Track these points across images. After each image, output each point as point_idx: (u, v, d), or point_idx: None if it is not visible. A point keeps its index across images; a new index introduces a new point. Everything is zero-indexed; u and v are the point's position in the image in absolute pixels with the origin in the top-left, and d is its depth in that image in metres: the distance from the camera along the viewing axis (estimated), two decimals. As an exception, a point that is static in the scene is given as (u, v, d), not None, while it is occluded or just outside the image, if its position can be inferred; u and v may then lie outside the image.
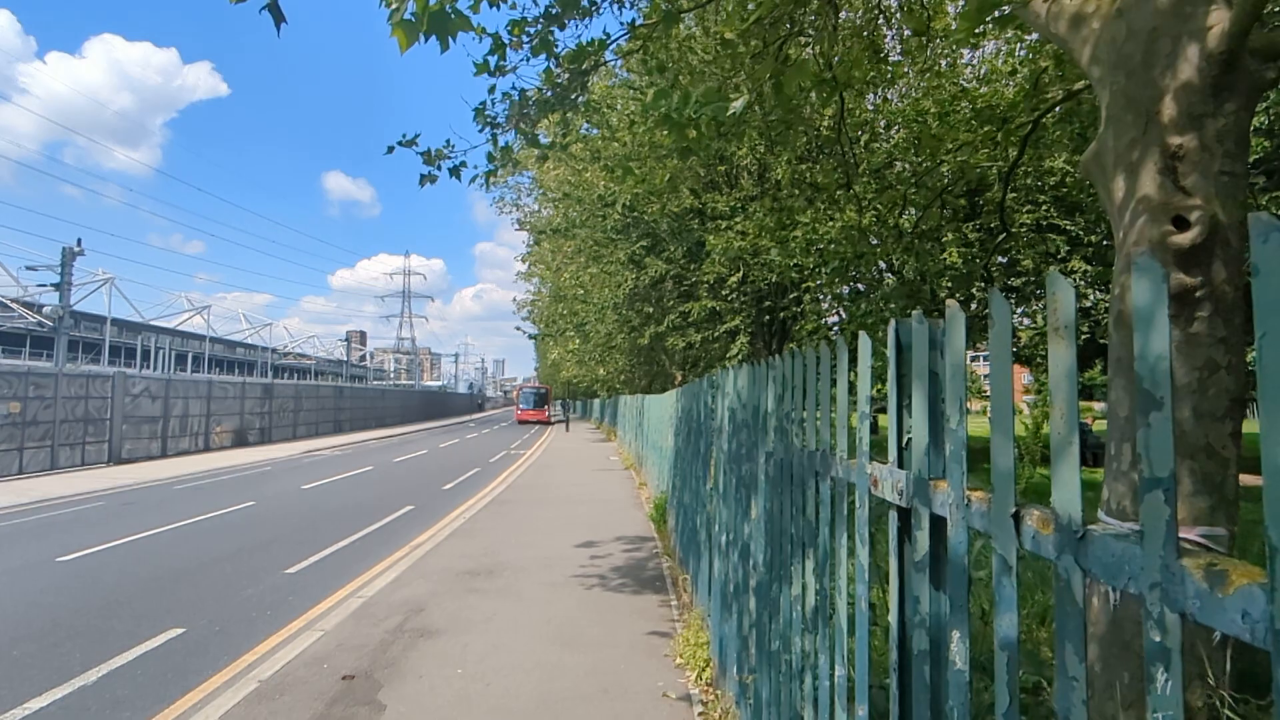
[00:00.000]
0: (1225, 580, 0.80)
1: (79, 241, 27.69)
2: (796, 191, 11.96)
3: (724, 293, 15.60)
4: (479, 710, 4.72)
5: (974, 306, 13.71)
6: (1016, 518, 1.22)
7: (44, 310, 32.22)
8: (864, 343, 2.07)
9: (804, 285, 14.76)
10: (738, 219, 13.52)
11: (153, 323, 54.22)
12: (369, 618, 6.70)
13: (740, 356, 15.21)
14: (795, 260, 11.43)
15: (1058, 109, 8.23)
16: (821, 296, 15.54)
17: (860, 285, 13.85)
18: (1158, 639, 0.88)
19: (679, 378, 21.52)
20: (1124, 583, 0.95)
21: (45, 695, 5.18)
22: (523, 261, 28.54)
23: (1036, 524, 1.16)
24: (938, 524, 1.61)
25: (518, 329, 49.33)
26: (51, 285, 28.21)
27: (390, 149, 6.33)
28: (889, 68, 9.59)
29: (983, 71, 11.89)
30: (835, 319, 16.69)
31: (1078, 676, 1.03)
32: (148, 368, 50.14)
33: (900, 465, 1.80)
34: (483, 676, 5.28)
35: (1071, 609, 1.05)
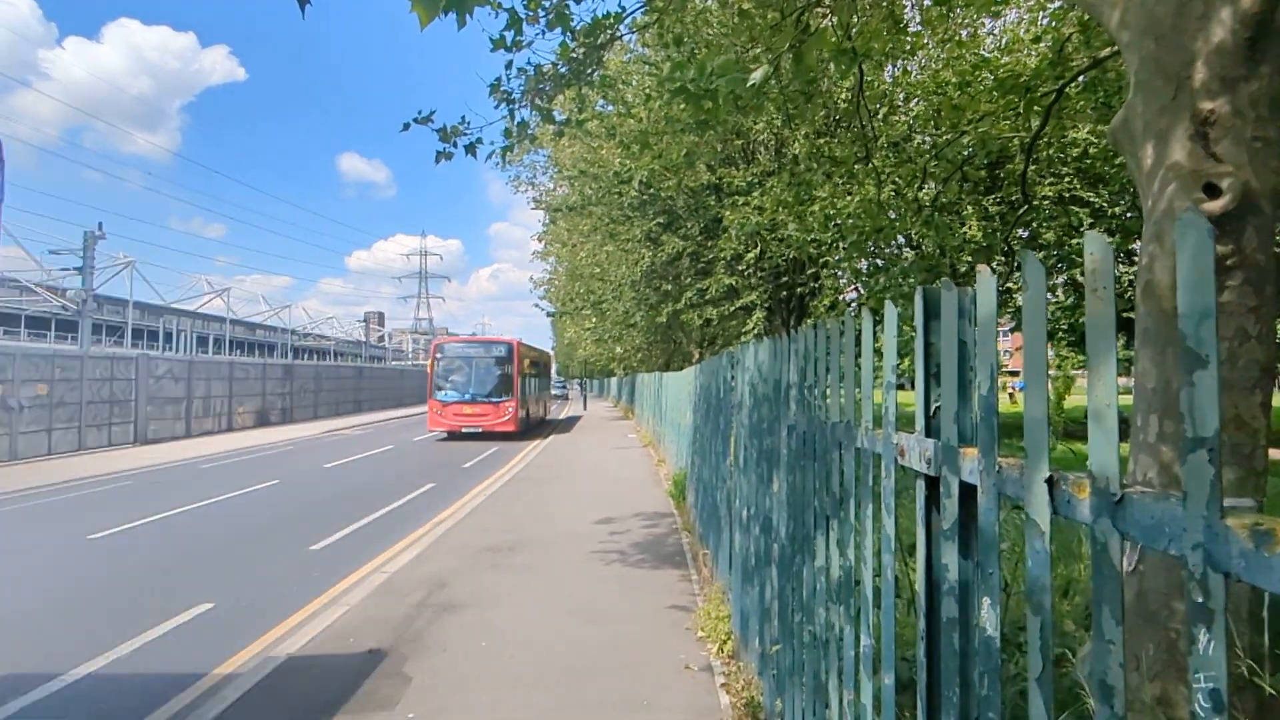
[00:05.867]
0: (1273, 539, 0.79)
1: (100, 225, 27.98)
2: (814, 166, 11.84)
3: (741, 269, 15.53)
4: (503, 682, 4.78)
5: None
6: (1050, 483, 1.21)
7: (67, 294, 32.66)
8: (890, 312, 2.05)
9: (822, 260, 14.66)
10: (755, 194, 13.42)
11: (174, 305, 54.77)
12: (393, 593, 6.79)
13: (757, 332, 15.16)
14: (813, 235, 11.33)
15: (1082, 77, 8.07)
16: (839, 272, 15.43)
17: (879, 260, 13.73)
18: (1200, 600, 0.87)
19: (696, 355, 21.51)
20: (1164, 544, 0.95)
21: (81, 667, 5.30)
22: (539, 240, 28.48)
23: (1072, 488, 1.15)
24: (967, 492, 1.60)
25: (536, 305, 45.54)
26: (74, 269, 28.56)
27: (406, 126, 6.32)
28: (908, 38, 9.43)
29: (1004, 41, 11.67)
30: (853, 294, 16.58)
31: (1115, 640, 1.03)
32: (170, 350, 50.74)
33: (928, 434, 1.79)
34: (506, 649, 5.35)
35: (1109, 572, 1.05)
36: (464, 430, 23.72)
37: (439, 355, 24.97)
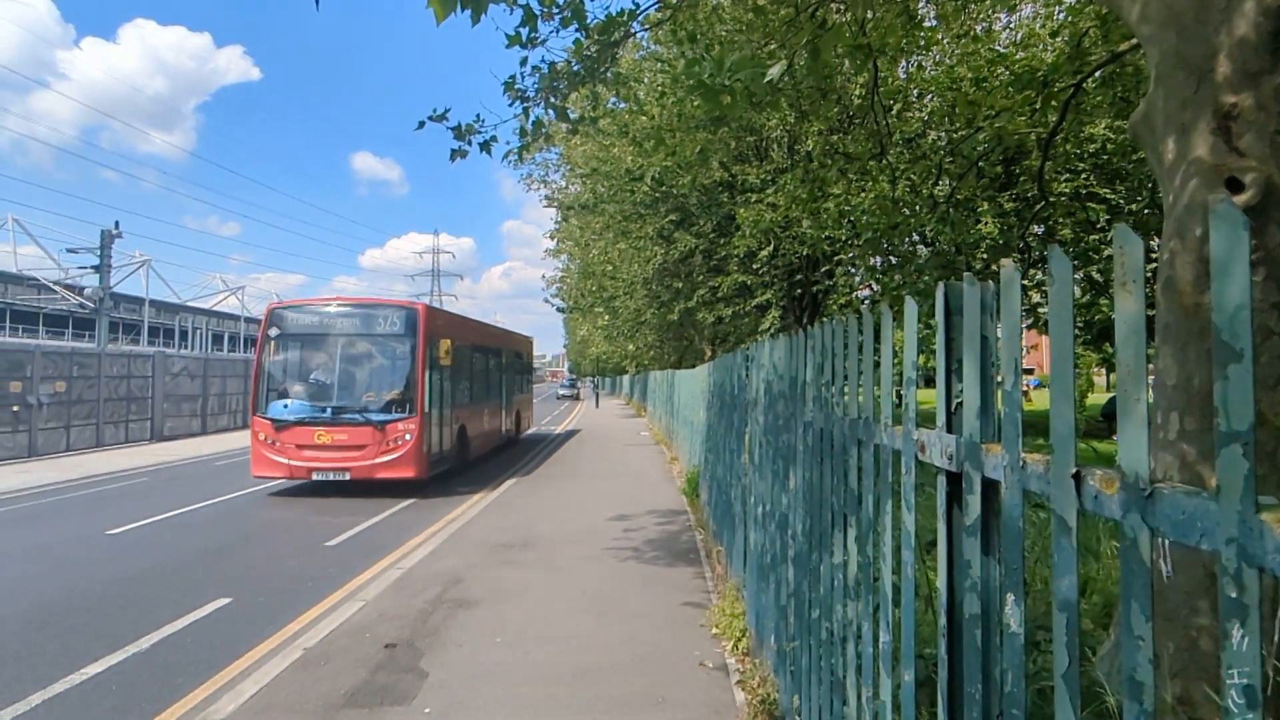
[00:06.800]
0: (1309, 534, 0.78)
1: (117, 224, 28.30)
2: (828, 162, 11.80)
3: (754, 266, 15.50)
4: (519, 678, 4.80)
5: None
6: (1077, 478, 1.20)
7: (85, 292, 32.95)
8: (910, 308, 2.04)
9: (836, 258, 14.61)
10: (769, 191, 13.38)
11: (189, 304, 55.20)
12: (408, 588, 6.83)
13: (772, 330, 15.13)
14: (827, 232, 11.30)
15: (1099, 72, 8.00)
16: (853, 269, 15.38)
17: (893, 257, 13.68)
18: (1234, 595, 0.86)
19: (709, 353, 21.48)
20: (1196, 540, 0.94)
21: (101, 661, 5.36)
22: (551, 238, 28.51)
23: (1099, 484, 1.15)
24: (989, 488, 1.59)
25: (547, 301, 38.76)
26: (91, 268, 28.88)
27: (421, 124, 6.35)
28: (923, 34, 9.38)
29: (1020, 35, 11.59)
30: (867, 292, 16.52)
31: (1144, 636, 1.02)
32: (185, 347, 51.13)
33: (949, 430, 1.78)
34: (521, 645, 5.37)
35: (1138, 569, 1.04)
36: (316, 476, 12.59)
37: (274, 332, 13.19)
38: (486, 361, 18.29)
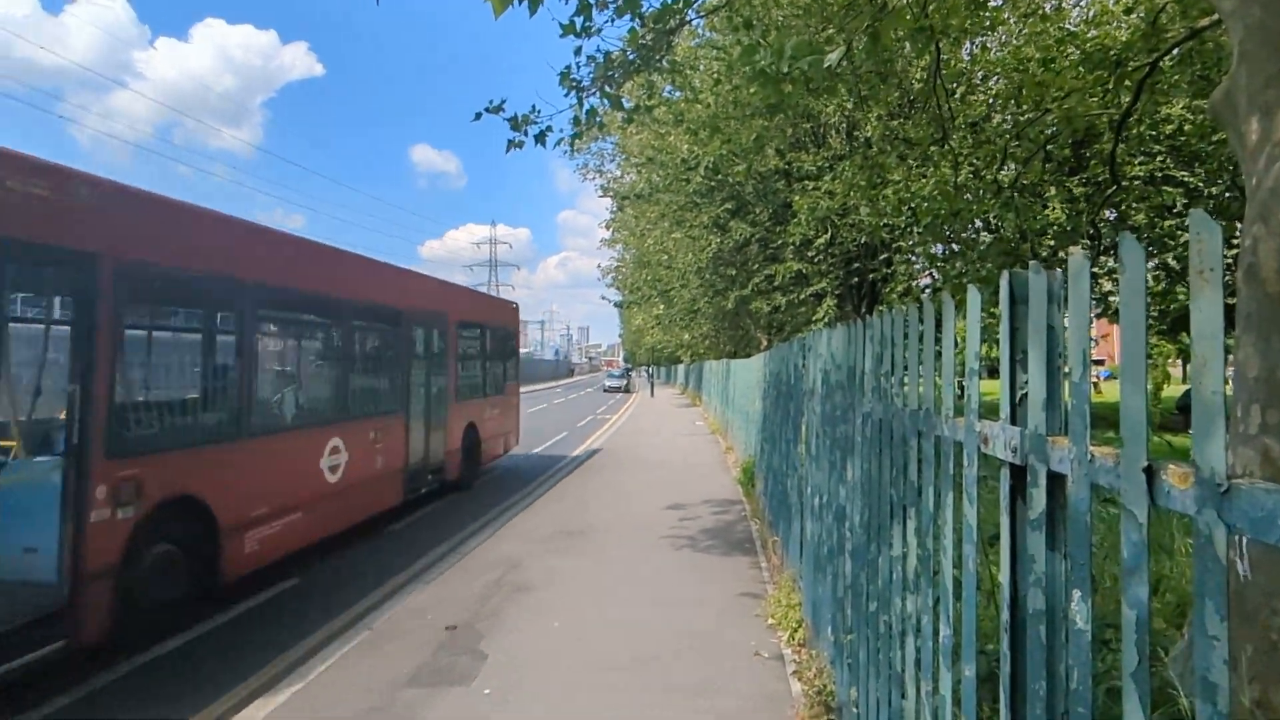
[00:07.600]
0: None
1: (190, 218, 29.25)
2: (888, 148, 11.55)
3: (810, 255, 15.29)
4: (576, 663, 4.87)
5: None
6: (1149, 472, 1.17)
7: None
8: (973, 296, 2.00)
9: (894, 245, 14.32)
10: (826, 179, 13.18)
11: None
12: (467, 573, 6.97)
13: (827, 319, 14.94)
14: (886, 220, 11.08)
15: (1177, 50, 7.65)
16: (913, 257, 15.06)
17: (954, 244, 13.34)
18: (1317, 595, 0.83)
19: (764, 342, 21.30)
20: (1276, 538, 0.91)
21: (179, 636, 5.62)
22: (606, 228, 28.58)
23: (1173, 479, 1.11)
24: (1055, 481, 1.56)
25: (603, 298, 37.66)
26: (167, 260, 29.97)
27: (478, 116, 6.42)
28: (988, 14, 9.10)
29: (1092, 13, 11.16)
30: (927, 280, 16.16)
31: (1219, 635, 0.99)
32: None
33: (1013, 422, 1.74)
34: (577, 630, 5.44)
35: (1213, 566, 1.01)
36: None
37: None
38: (363, 337, 9.31)
